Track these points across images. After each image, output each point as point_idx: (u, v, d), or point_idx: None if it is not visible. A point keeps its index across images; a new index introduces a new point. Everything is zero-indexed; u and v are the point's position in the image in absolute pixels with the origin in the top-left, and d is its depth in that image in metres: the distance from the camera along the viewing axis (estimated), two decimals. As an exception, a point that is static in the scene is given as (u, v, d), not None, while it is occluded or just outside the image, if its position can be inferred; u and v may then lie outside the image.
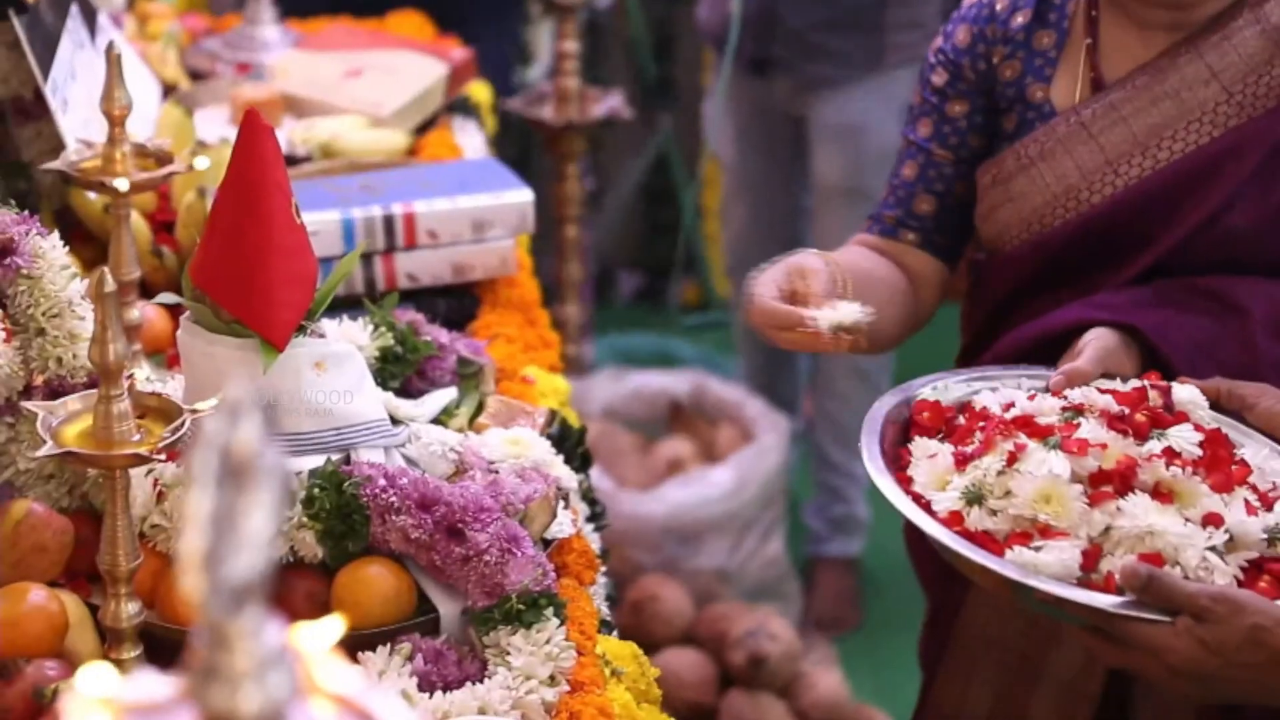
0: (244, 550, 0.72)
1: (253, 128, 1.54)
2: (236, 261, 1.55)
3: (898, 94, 3.30)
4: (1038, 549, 1.47)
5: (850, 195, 3.40)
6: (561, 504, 1.72)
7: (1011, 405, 1.63)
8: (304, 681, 0.78)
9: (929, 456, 1.60)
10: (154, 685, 0.75)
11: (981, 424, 1.62)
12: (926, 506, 1.55)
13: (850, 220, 3.39)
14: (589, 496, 1.90)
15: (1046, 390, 1.67)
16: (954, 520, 1.52)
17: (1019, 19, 1.89)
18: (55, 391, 1.58)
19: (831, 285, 1.70)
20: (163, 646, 1.49)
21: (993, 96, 1.91)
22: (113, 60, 1.80)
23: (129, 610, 1.45)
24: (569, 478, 1.78)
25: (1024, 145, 1.86)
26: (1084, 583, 1.46)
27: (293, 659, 0.76)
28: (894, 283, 1.92)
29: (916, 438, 1.64)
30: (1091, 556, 1.47)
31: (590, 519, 1.86)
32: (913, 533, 1.97)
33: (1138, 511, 1.48)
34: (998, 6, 1.91)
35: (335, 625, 0.80)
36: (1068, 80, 1.86)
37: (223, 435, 0.73)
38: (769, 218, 3.68)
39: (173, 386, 1.68)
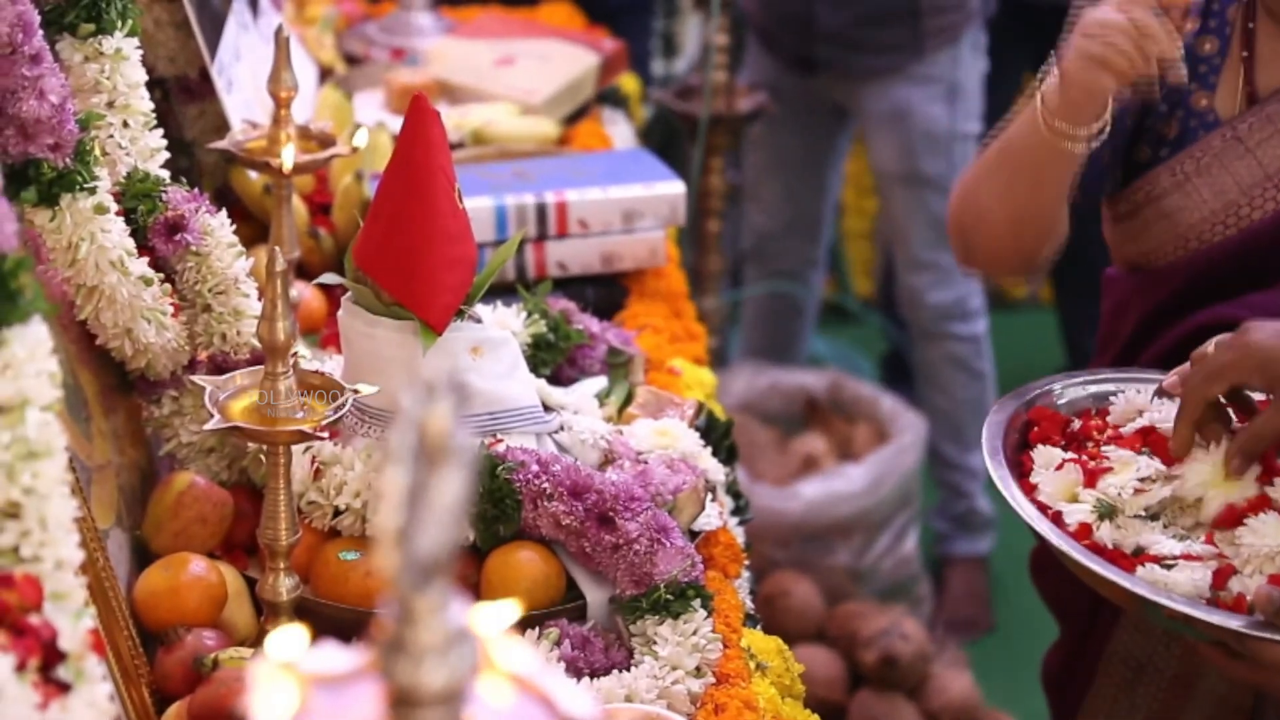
0: (434, 527, 0.73)
1: (420, 113, 1.56)
2: (400, 245, 1.56)
3: (939, 76, 3.34)
4: (1169, 566, 1.45)
5: (908, 180, 3.43)
6: (709, 496, 1.72)
7: (1142, 413, 1.61)
8: (483, 660, 0.79)
9: (1054, 467, 1.57)
10: (338, 658, 0.77)
11: (1106, 434, 1.59)
12: (1054, 517, 1.53)
13: (912, 204, 3.42)
14: (733, 490, 1.90)
15: (1160, 395, 1.62)
16: (1082, 533, 1.50)
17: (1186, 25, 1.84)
18: (218, 367, 1.61)
19: None
20: (315, 621, 1.51)
21: (1152, 105, 1.85)
22: (281, 43, 1.83)
23: (287, 584, 1.48)
24: (716, 470, 1.79)
25: (1179, 161, 1.81)
26: (1214, 601, 1.44)
27: (473, 637, 0.78)
28: None
29: (1039, 445, 1.61)
30: (1222, 575, 1.44)
31: (734, 512, 1.87)
32: (1041, 560, 1.94)
33: (1267, 530, 1.45)
34: None
35: (512, 607, 0.82)
36: (1229, 90, 1.81)
37: (419, 414, 0.74)
38: (799, 196, 3.69)
39: (330, 366, 1.71)
